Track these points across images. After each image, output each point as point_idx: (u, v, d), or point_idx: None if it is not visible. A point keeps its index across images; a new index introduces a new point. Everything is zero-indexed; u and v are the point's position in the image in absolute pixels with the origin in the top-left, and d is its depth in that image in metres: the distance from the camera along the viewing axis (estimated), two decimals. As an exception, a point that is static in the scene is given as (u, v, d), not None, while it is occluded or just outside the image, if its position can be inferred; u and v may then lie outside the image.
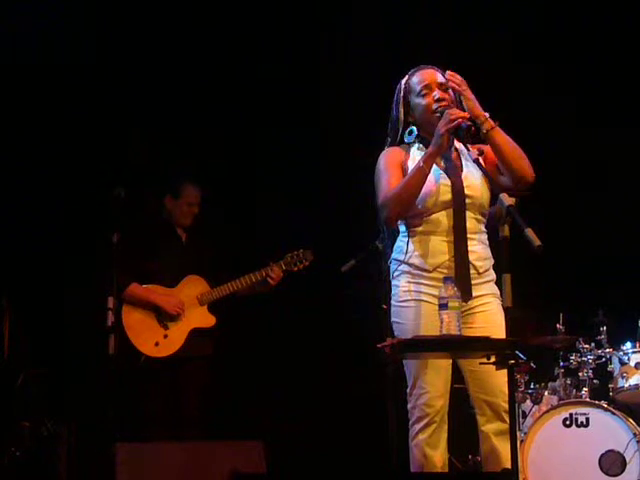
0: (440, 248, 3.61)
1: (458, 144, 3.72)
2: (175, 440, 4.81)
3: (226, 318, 5.16)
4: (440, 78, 3.70)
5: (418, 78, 3.72)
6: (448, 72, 3.65)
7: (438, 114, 3.60)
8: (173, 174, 5.38)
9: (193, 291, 5.10)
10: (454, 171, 3.67)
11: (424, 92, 3.68)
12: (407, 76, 3.77)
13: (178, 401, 5.04)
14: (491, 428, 3.58)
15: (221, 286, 5.11)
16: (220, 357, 5.19)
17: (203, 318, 5.10)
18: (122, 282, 4.88)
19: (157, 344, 4.99)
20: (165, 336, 5.02)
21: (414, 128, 3.71)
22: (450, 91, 3.68)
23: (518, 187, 3.57)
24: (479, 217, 3.67)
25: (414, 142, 3.71)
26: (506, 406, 3.47)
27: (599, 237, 5.89)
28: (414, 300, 3.61)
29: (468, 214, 3.63)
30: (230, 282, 5.11)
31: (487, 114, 3.58)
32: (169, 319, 5.03)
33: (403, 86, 3.75)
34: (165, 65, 5.93)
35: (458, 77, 3.62)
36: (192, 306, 5.08)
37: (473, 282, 3.59)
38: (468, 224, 3.62)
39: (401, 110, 3.73)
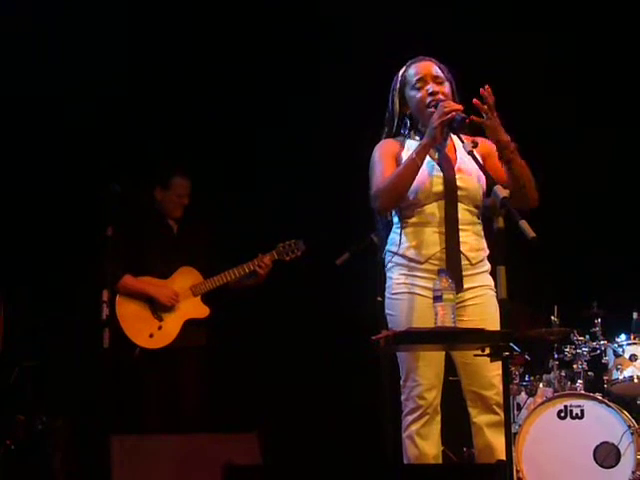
0: (432, 239, 3.60)
1: (454, 136, 3.70)
2: (171, 431, 4.81)
3: (220, 309, 5.16)
4: (436, 71, 3.69)
5: (414, 70, 3.71)
6: (483, 91, 3.45)
7: (432, 107, 3.59)
8: (163, 165, 5.37)
9: (186, 282, 5.10)
10: (447, 163, 3.66)
11: (419, 85, 3.67)
12: (404, 67, 3.76)
13: (173, 392, 5.04)
14: (483, 420, 3.58)
15: (214, 277, 5.12)
16: (214, 348, 5.19)
17: (197, 309, 5.10)
18: (115, 274, 4.88)
19: (152, 335, 4.99)
20: (159, 327, 5.02)
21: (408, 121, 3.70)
22: (446, 84, 3.67)
23: (518, 206, 3.27)
24: (472, 209, 3.66)
25: (409, 134, 3.71)
26: (497, 399, 3.49)
27: (593, 229, 5.91)
28: (407, 293, 3.61)
29: (461, 206, 3.62)
30: (223, 273, 5.11)
31: (509, 138, 3.49)
32: (163, 310, 5.03)
33: (399, 78, 3.75)
34: (163, 59, 5.92)
35: (491, 97, 3.47)
36: (186, 297, 5.08)
37: (466, 273, 3.59)
38: (461, 215, 3.62)
39: (396, 102, 3.73)
